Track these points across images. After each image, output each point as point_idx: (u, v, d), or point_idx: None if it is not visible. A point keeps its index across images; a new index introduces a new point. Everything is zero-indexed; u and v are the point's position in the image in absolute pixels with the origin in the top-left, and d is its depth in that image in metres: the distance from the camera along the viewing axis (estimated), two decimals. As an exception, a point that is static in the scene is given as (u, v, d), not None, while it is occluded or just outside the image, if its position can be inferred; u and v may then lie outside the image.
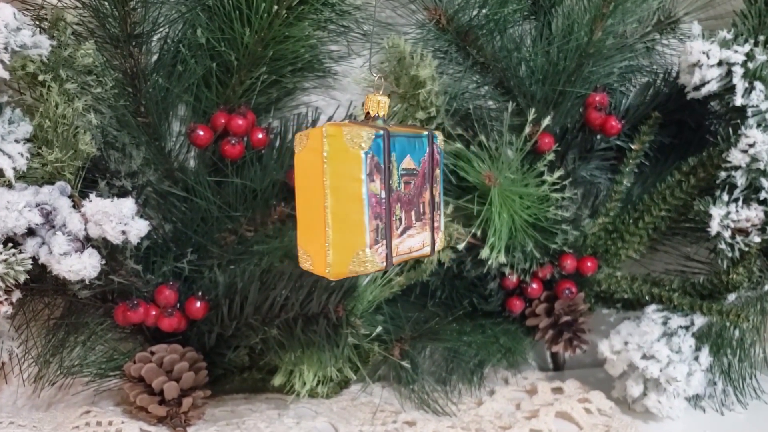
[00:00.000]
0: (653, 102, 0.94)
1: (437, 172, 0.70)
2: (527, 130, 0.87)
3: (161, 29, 0.79)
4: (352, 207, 0.60)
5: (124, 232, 0.72)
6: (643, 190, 0.96)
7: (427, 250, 0.69)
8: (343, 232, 0.61)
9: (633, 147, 0.93)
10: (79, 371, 0.84)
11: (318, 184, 0.61)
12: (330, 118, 0.88)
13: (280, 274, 0.81)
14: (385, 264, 0.63)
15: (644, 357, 0.88)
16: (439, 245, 0.71)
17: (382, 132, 0.62)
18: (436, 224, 0.70)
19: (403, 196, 0.65)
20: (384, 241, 0.62)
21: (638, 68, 0.97)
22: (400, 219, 0.64)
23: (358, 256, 0.61)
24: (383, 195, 0.62)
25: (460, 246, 0.87)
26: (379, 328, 0.83)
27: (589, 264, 0.94)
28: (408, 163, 0.65)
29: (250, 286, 0.80)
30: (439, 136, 0.71)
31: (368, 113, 0.68)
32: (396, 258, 0.64)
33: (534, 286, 0.94)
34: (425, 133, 0.68)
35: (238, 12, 0.78)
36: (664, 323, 0.90)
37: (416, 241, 0.67)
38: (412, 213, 0.66)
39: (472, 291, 0.96)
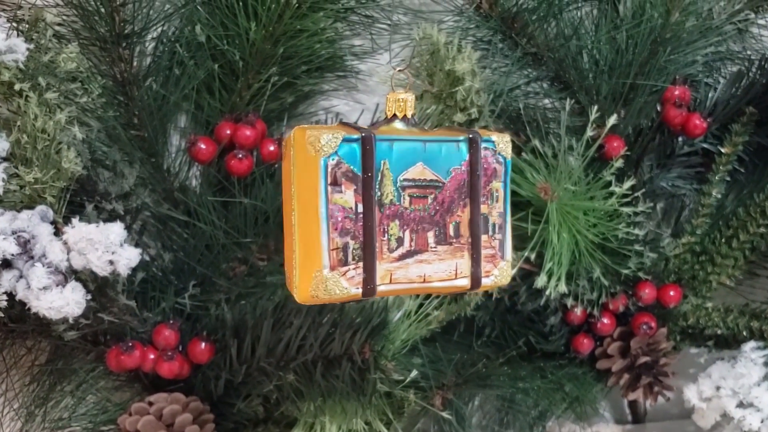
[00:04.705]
0: (747, 95, 0.93)
1: (495, 185, 0.69)
2: (589, 132, 0.86)
3: (155, 27, 0.81)
4: (312, 220, 0.61)
5: (111, 262, 0.72)
6: (737, 203, 0.95)
7: (464, 282, 0.67)
8: (306, 249, 0.62)
9: (723, 150, 0.91)
10: (67, 425, 0.86)
11: (288, 194, 0.63)
12: (354, 126, 0.88)
13: (296, 310, 0.81)
14: (361, 291, 0.63)
15: (741, 405, 0.87)
16: (497, 279, 0.69)
17: (358, 135, 0.62)
18: (489, 252, 0.69)
19: (407, 213, 0.64)
20: (359, 264, 0.62)
21: (727, 55, 0.96)
22: (399, 239, 0.64)
23: (316, 277, 0.61)
24: (359, 209, 0.62)
25: (511, 273, 0.85)
26: (415, 373, 0.82)
27: (672, 293, 0.92)
28: (419, 173, 0.64)
29: (262, 324, 0.81)
30: (503, 139, 0.69)
31: (395, 115, 0.67)
32: (392, 286, 0.64)
33: (605, 320, 0.93)
34: (462, 136, 0.67)
35: (242, 4, 0.79)
36: (766, 364, 0.88)
37: (436, 269, 0.66)
38: (429, 234, 0.65)
39: (528, 328, 0.96)
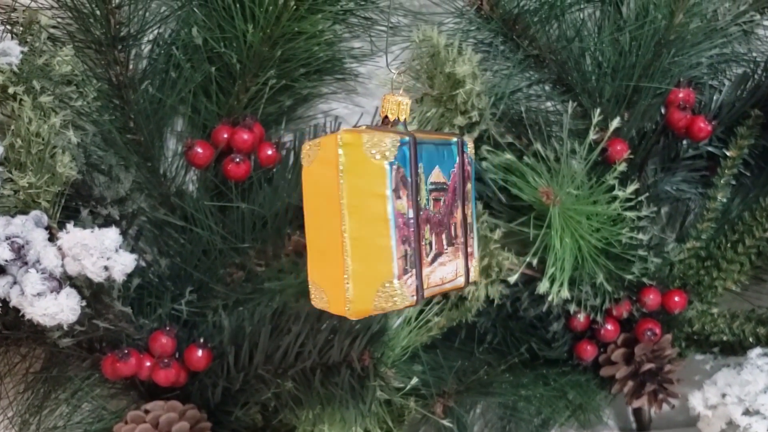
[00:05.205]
0: (752, 98, 0.92)
1: (468, 186, 0.69)
2: (592, 135, 0.86)
3: (151, 30, 0.81)
4: (375, 230, 0.60)
5: (106, 268, 0.72)
6: (743, 207, 0.94)
7: (461, 281, 0.68)
8: (365, 260, 0.60)
9: (728, 154, 0.91)
10: (62, 433, 0.85)
11: (332, 204, 0.60)
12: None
13: (295, 316, 0.81)
14: (415, 298, 0.62)
15: (747, 412, 0.86)
16: (473, 275, 0.71)
17: (408, 138, 0.61)
18: (469, 249, 0.69)
19: (432, 216, 0.64)
20: (414, 271, 0.61)
21: (732, 57, 0.96)
22: (431, 243, 0.64)
23: (385, 289, 0.60)
24: (411, 214, 0.61)
25: (513, 278, 0.86)
26: (416, 380, 0.82)
27: (676, 299, 0.92)
28: (437, 176, 0.64)
29: (260, 331, 0.80)
30: (469, 143, 0.70)
31: (386, 117, 0.67)
32: (427, 291, 0.63)
33: (608, 327, 0.93)
34: (454, 139, 0.67)
35: (239, 6, 0.79)
36: (773, 371, 0.88)
37: (448, 271, 0.66)
38: (443, 236, 0.65)
39: (530, 334, 0.95)
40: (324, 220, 0.61)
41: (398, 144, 0.60)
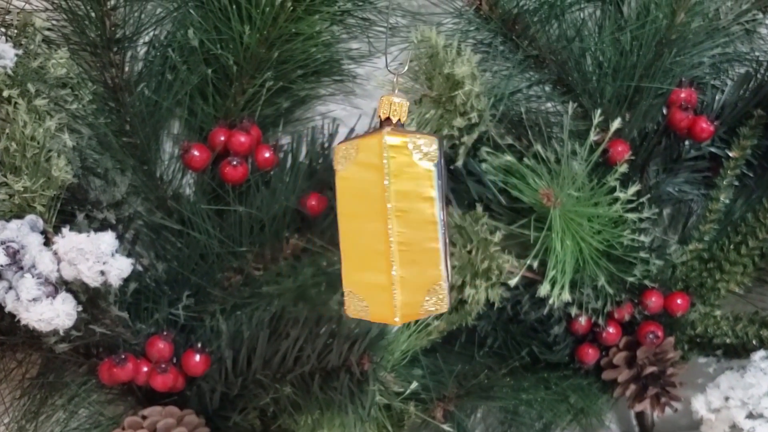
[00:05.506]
0: (755, 97, 0.92)
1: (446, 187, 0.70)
2: (593, 136, 0.85)
3: (146, 31, 0.81)
4: (423, 233, 0.60)
5: (102, 273, 0.72)
6: (746, 208, 0.94)
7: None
8: (413, 265, 0.60)
9: (731, 154, 0.91)
10: (59, 440, 0.85)
11: (375, 208, 0.60)
12: (351, 131, 0.88)
13: (293, 320, 0.81)
14: (449, 303, 0.63)
15: (751, 416, 0.86)
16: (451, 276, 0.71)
17: (438, 139, 0.61)
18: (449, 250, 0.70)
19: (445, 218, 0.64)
20: (448, 273, 0.63)
21: (735, 56, 0.95)
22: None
23: (434, 292, 0.61)
24: (443, 216, 0.62)
25: (514, 281, 0.85)
26: (416, 385, 0.82)
27: (679, 301, 0.92)
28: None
29: (258, 336, 0.80)
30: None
31: (389, 118, 0.66)
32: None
33: (610, 330, 0.92)
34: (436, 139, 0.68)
35: (235, 7, 0.79)
36: (776, 373, 0.88)
37: (448, 271, 0.66)
38: (447, 238, 0.66)
39: (531, 337, 0.95)
40: (364, 225, 0.61)
41: (437, 146, 0.60)
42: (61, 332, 0.73)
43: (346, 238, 0.62)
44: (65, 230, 0.72)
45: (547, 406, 0.92)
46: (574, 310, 0.90)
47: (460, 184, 0.88)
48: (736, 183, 0.92)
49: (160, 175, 0.86)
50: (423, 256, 0.60)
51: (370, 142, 0.59)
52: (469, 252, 0.84)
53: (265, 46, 0.81)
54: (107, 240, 0.72)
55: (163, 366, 0.81)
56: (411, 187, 0.59)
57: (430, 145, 0.59)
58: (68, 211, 0.79)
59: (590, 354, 0.94)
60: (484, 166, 0.86)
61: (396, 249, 0.59)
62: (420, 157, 0.59)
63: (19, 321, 0.72)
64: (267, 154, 0.84)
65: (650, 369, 0.92)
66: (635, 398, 0.93)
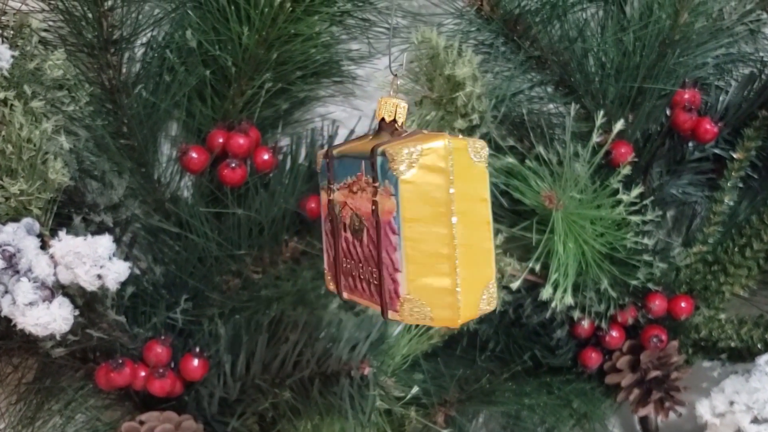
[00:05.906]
0: (759, 98, 0.92)
1: None
2: (596, 137, 0.85)
3: (144, 32, 0.80)
4: (481, 234, 0.61)
5: (100, 276, 0.72)
6: (750, 210, 0.94)
7: None
8: (472, 266, 0.60)
9: (735, 156, 0.91)
10: (56, 445, 0.85)
11: (437, 212, 0.60)
12: (351, 132, 0.88)
13: (293, 325, 0.81)
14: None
15: (756, 420, 0.86)
16: None
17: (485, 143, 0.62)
18: None
19: None
20: None
21: (739, 57, 0.96)
22: None
23: (489, 290, 0.61)
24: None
25: (516, 285, 0.85)
26: (416, 389, 0.82)
27: (683, 304, 0.92)
28: None
29: (257, 340, 0.81)
30: None
31: (394, 120, 0.66)
32: None
33: (613, 333, 0.93)
34: None
35: (234, 7, 0.79)
36: (782, 378, 0.88)
37: None
38: None
39: (534, 341, 0.95)
40: (427, 230, 0.60)
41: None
42: (58, 337, 0.73)
43: (409, 243, 0.61)
44: (62, 233, 0.72)
45: (550, 410, 0.92)
46: (576, 314, 0.90)
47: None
48: (741, 185, 0.93)
49: (158, 178, 0.86)
50: (480, 257, 0.60)
51: (434, 145, 0.59)
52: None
53: (264, 47, 0.81)
54: (104, 243, 0.72)
55: (161, 371, 0.81)
56: (470, 189, 0.60)
57: (483, 148, 0.60)
58: (65, 214, 0.79)
59: (593, 358, 0.94)
60: (485, 167, 0.87)
61: (459, 251, 0.60)
62: (478, 159, 0.60)
63: (15, 325, 0.72)
64: (266, 156, 0.84)
65: (654, 373, 0.92)
66: (639, 403, 0.93)
